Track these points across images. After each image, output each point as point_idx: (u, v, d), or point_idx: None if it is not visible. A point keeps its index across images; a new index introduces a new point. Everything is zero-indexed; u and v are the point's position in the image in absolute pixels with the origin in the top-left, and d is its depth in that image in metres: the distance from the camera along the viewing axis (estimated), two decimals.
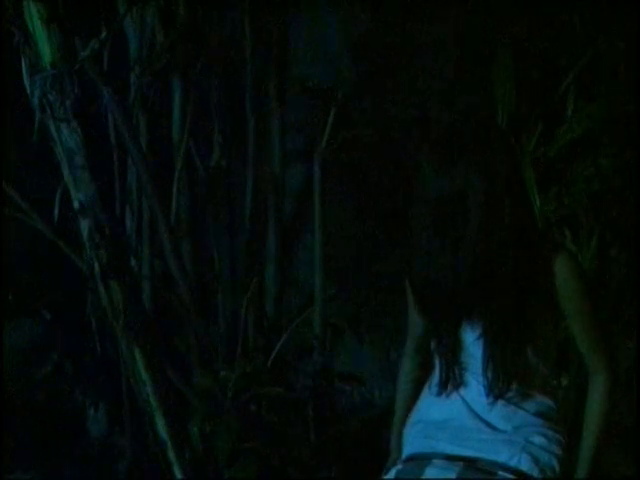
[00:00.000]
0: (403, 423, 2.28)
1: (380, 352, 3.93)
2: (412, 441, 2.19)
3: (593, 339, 2.09)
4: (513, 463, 2.07)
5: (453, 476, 2.03)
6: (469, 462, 2.06)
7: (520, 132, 3.44)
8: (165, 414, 2.99)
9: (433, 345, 2.18)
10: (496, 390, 2.09)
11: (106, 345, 3.56)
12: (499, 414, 2.11)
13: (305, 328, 3.26)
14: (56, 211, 3.01)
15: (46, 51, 2.71)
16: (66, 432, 3.67)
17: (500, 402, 2.11)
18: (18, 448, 3.47)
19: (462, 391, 2.16)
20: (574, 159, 3.53)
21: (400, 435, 2.27)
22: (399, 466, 2.15)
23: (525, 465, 2.06)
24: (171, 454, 3.02)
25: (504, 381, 2.08)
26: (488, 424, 2.11)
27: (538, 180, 3.40)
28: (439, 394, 2.17)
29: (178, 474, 3.02)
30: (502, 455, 2.07)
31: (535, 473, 2.05)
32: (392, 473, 2.14)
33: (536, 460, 2.07)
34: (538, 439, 2.09)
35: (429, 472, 2.07)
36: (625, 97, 3.49)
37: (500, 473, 2.04)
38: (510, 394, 2.10)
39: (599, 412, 2.09)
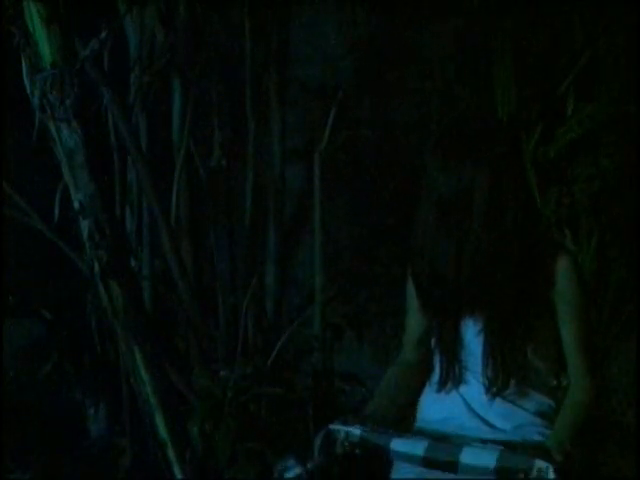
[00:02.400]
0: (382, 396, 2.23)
1: (380, 352, 3.94)
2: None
3: (581, 343, 2.09)
4: None
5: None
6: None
7: (520, 132, 3.45)
8: (165, 414, 2.99)
9: (433, 342, 2.19)
10: (495, 387, 2.10)
11: (106, 345, 3.56)
12: (498, 413, 2.12)
13: (305, 328, 3.26)
14: (56, 211, 3.01)
15: (46, 51, 2.71)
16: (66, 432, 3.67)
17: (499, 400, 2.11)
18: (18, 448, 3.47)
19: (462, 389, 2.16)
20: (574, 159, 3.53)
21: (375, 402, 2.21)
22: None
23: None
24: (171, 454, 3.02)
25: (503, 378, 2.08)
26: (487, 423, 2.12)
27: (538, 180, 3.40)
28: (439, 391, 2.18)
29: (178, 474, 3.02)
30: None
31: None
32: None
33: None
34: (537, 439, 2.09)
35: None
36: (625, 97, 3.49)
37: None
38: (509, 392, 2.10)
39: (580, 403, 2.08)
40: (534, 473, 1.89)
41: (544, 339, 2.10)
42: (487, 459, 1.94)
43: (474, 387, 2.14)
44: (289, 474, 2.20)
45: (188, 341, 3.32)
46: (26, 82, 2.76)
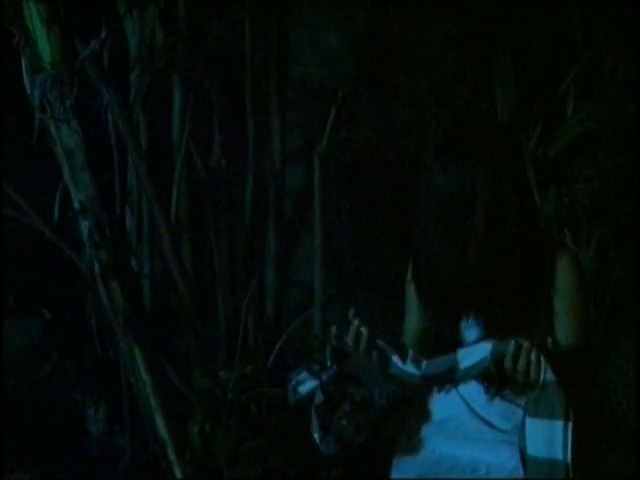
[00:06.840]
0: None
1: None
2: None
3: (580, 342, 2.08)
4: (513, 463, 2.07)
5: None
6: None
7: (520, 132, 3.45)
8: (165, 414, 2.99)
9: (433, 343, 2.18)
10: (494, 387, 2.10)
11: (106, 345, 3.56)
12: (498, 412, 2.12)
13: (305, 328, 3.26)
14: (56, 211, 3.01)
15: (46, 51, 2.72)
16: (66, 432, 3.67)
17: (498, 399, 2.11)
18: (18, 448, 3.47)
19: (461, 389, 2.16)
20: (574, 159, 3.53)
21: None
22: None
23: None
24: (171, 454, 3.02)
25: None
26: (487, 423, 2.12)
27: (538, 180, 3.40)
28: (438, 391, 2.18)
29: (178, 474, 3.02)
30: (502, 455, 2.08)
31: None
32: None
33: None
34: None
35: None
36: (625, 97, 3.49)
37: None
38: (508, 391, 2.11)
39: None
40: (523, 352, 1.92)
41: (543, 338, 2.10)
42: (481, 351, 1.99)
43: (474, 386, 2.14)
44: (303, 388, 2.12)
45: (188, 341, 3.32)
46: (26, 82, 2.76)
